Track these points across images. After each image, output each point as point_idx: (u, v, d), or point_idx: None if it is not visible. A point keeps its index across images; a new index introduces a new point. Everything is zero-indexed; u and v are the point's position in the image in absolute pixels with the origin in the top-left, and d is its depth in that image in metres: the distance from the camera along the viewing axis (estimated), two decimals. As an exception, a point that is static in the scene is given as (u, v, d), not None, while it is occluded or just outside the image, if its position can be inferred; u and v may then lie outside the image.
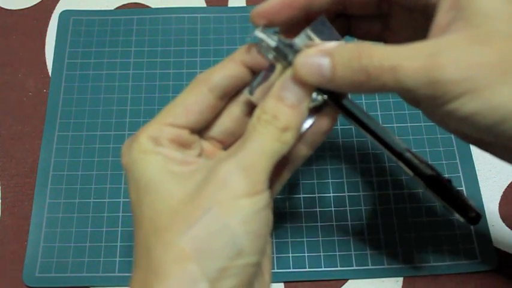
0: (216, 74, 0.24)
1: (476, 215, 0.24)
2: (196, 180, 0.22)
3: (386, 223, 0.37)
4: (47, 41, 0.44)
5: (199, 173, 0.22)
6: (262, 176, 0.21)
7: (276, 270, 0.36)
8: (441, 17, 0.22)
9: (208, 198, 0.21)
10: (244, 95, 0.25)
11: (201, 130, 0.25)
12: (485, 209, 0.37)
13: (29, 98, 0.42)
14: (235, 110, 0.26)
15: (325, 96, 0.23)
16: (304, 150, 0.26)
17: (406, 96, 0.24)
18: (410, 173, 0.24)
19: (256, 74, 0.25)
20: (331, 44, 0.22)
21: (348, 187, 0.38)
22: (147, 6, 0.46)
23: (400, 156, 0.24)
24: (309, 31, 0.23)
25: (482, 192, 0.38)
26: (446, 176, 0.26)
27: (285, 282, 0.36)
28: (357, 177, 0.39)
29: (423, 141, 0.39)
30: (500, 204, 0.38)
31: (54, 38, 0.44)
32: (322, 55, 0.22)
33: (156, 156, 0.23)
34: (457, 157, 0.39)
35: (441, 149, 0.39)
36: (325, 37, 0.23)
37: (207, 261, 0.20)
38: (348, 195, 0.38)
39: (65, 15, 0.45)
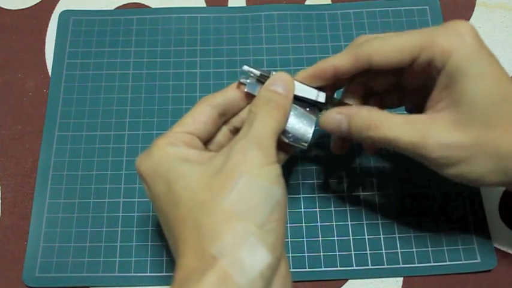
0: (217, 95, 0.30)
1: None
2: (218, 161, 0.26)
3: (386, 223, 0.37)
4: (47, 41, 0.44)
5: (217, 157, 0.26)
6: (271, 150, 0.26)
7: (276, 270, 0.36)
8: (435, 93, 0.28)
9: (235, 170, 0.25)
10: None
11: (205, 143, 0.30)
12: (485, 209, 0.37)
13: (29, 98, 0.42)
14: (224, 128, 0.31)
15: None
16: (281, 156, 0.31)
17: None
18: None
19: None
20: (351, 109, 0.30)
21: (348, 187, 0.38)
22: (147, 6, 0.46)
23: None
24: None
25: (482, 192, 0.38)
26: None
27: (285, 282, 0.36)
28: (357, 177, 0.39)
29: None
30: (500, 204, 0.38)
31: (54, 38, 0.44)
32: (342, 116, 0.30)
33: (177, 153, 0.27)
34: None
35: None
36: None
37: (251, 216, 0.24)
38: (348, 195, 0.38)
39: (65, 15, 0.45)
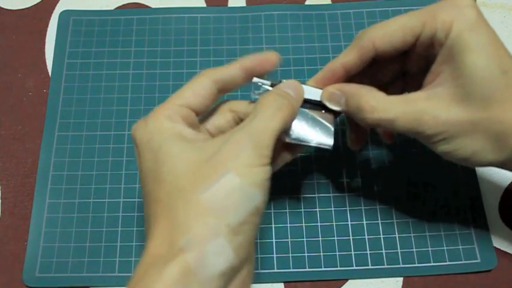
0: (218, 71, 0.29)
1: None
2: (211, 148, 0.25)
3: (387, 223, 0.37)
4: (47, 41, 0.44)
5: (212, 142, 0.26)
6: (267, 151, 0.25)
7: (276, 270, 0.36)
8: (435, 67, 0.28)
9: (223, 164, 0.24)
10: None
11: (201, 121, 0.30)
12: (485, 209, 0.37)
13: (29, 98, 0.42)
14: (229, 115, 0.30)
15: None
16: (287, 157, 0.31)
17: None
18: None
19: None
20: (350, 88, 0.30)
21: (348, 187, 0.38)
22: (147, 6, 0.46)
23: None
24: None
25: (482, 192, 0.38)
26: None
27: (284, 282, 0.36)
28: (357, 177, 0.39)
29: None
30: (500, 204, 0.38)
31: (54, 38, 0.44)
32: (341, 94, 0.30)
33: (172, 129, 0.26)
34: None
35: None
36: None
37: (225, 215, 0.23)
38: (348, 195, 0.38)
39: (65, 15, 0.45)
